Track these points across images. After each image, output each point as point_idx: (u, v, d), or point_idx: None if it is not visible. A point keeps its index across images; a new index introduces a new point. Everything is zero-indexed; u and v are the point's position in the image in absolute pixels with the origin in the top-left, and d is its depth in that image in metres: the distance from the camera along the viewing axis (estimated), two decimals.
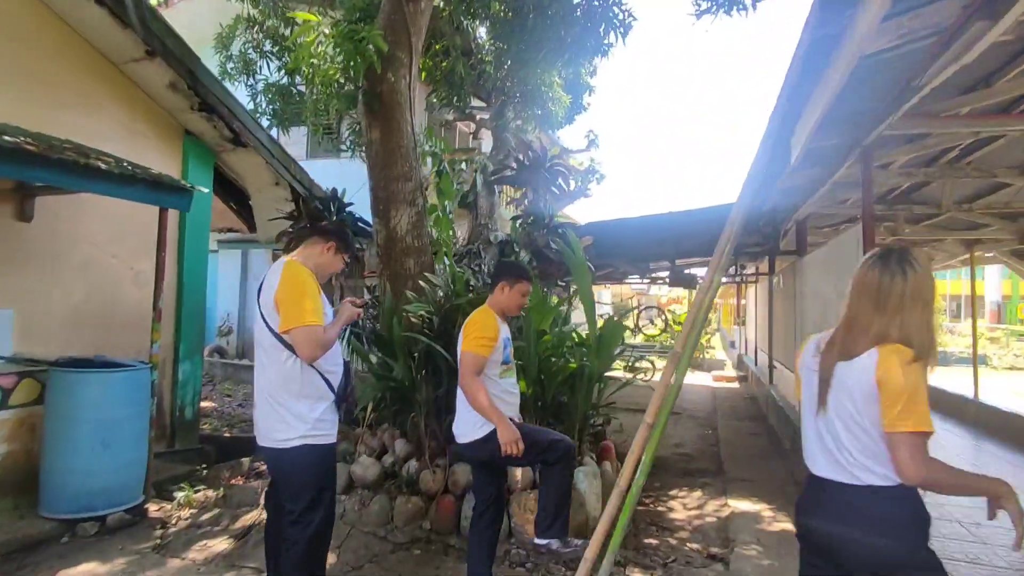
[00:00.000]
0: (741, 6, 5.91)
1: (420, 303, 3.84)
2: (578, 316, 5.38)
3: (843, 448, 1.52)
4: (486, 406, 2.53)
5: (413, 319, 3.87)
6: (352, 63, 4.15)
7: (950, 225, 7.20)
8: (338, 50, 4.06)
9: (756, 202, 6.27)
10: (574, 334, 4.46)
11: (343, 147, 7.35)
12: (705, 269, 13.77)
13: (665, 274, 9.08)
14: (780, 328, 8.13)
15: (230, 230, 7.37)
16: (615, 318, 4.43)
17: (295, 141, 9.76)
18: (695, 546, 3.99)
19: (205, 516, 3.98)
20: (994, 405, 7.61)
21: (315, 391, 2.31)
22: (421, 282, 4.04)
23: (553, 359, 3.92)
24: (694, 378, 13.14)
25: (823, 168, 4.46)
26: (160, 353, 4.50)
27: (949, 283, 28.36)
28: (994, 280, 28.02)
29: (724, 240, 2.19)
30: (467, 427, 2.73)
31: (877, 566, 1.49)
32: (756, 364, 11.68)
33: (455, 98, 7.56)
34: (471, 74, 7.51)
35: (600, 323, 4.32)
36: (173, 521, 3.93)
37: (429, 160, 5.28)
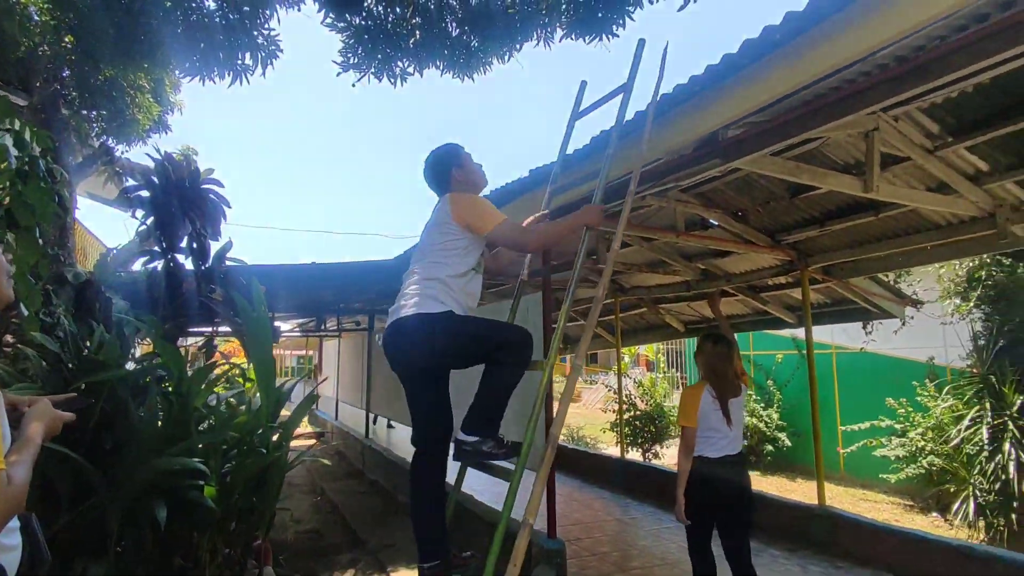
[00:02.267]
0: (392, 75, 6.14)
1: (25, 384, 2.30)
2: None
3: (740, 438, 3.19)
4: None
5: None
6: None
7: None
8: None
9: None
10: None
11: None
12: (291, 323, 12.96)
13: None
14: (382, 383, 8.37)
15: None
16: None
17: None
18: None
19: None
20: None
21: None
22: (23, 347, 2.45)
23: (245, 447, 2.96)
24: None
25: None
26: None
27: None
28: None
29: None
30: (417, 297, 2.28)
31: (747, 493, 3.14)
32: (338, 418, 11.65)
33: None
34: (22, 41, 5.29)
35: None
36: None
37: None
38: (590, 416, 16.11)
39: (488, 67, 6.34)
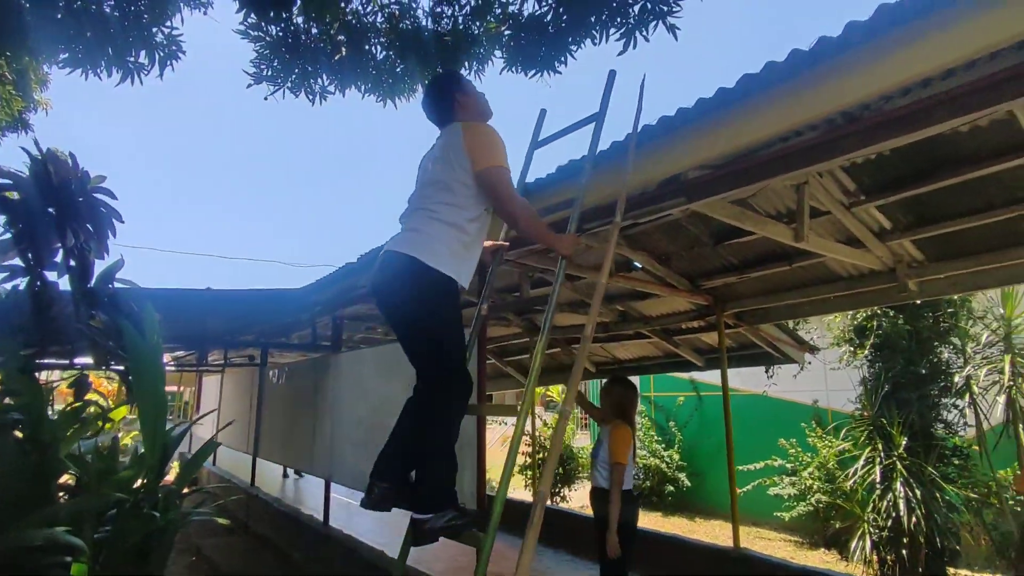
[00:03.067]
0: (311, 91, 5.75)
1: None
2: None
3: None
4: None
5: None
6: None
7: None
8: None
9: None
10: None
11: None
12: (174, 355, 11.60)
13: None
14: (276, 425, 7.59)
15: None
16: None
17: None
18: None
19: None
20: None
21: None
22: None
23: (129, 508, 2.40)
24: None
25: None
26: None
27: None
28: None
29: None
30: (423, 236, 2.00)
31: None
32: (215, 463, 10.45)
33: None
34: None
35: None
36: None
37: None
38: (491, 458, 15.73)
39: (413, 94, 6.13)
